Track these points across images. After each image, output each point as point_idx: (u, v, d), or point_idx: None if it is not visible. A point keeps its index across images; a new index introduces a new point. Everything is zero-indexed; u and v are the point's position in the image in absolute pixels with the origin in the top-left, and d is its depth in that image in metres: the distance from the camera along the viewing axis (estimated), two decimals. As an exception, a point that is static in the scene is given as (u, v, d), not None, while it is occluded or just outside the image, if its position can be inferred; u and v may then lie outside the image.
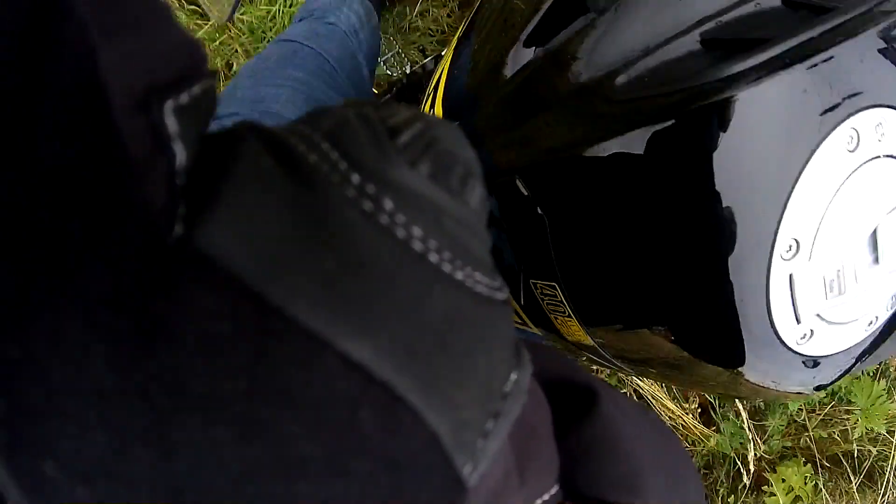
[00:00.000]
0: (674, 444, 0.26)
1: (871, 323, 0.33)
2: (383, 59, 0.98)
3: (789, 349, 0.31)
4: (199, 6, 0.98)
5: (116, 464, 0.10)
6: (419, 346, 0.12)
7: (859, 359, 0.34)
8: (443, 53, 0.56)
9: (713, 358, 0.32)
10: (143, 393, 0.10)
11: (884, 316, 0.33)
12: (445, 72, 0.44)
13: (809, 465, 0.97)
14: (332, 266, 0.12)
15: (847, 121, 0.28)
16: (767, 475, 0.97)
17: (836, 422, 0.98)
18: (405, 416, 0.12)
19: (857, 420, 0.94)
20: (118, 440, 0.10)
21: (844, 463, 0.98)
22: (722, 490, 0.99)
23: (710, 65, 0.27)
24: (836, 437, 0.98)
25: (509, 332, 0.15)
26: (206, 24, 1.00)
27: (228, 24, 0.97)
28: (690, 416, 0.98)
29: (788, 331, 0.30)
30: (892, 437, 0.96)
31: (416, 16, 0.96)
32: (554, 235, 0.33)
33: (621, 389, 0.96)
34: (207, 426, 0.11)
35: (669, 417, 0.98)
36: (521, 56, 0.34)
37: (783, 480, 0.95)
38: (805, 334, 0.31)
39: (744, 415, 0.97)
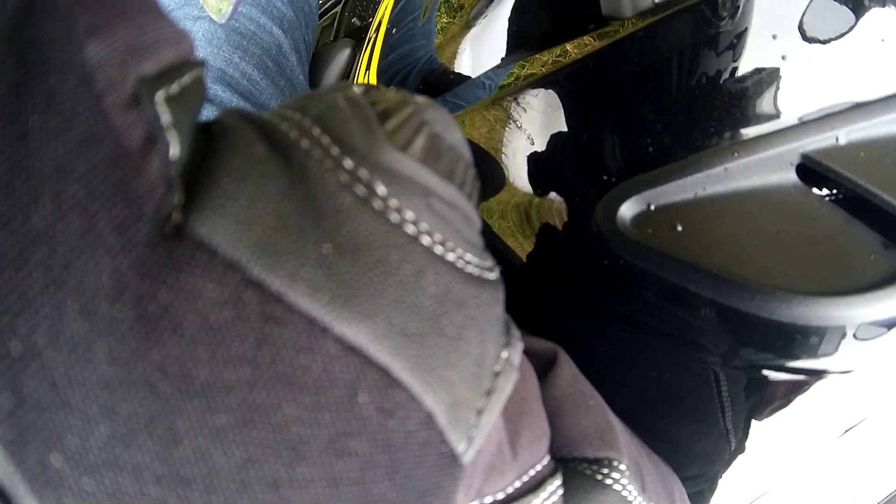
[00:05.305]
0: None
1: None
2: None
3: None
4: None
5: (122, 454, 0.10)
6: (413, 328, 0.13)
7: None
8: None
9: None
10: (146, 383, 0.10)
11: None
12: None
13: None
14: (330, 251, 0.12)
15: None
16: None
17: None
18: (401, 397, 0.12)
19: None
20: (123, 430, 0.10)
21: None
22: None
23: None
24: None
25: (500, 311, 0.15)
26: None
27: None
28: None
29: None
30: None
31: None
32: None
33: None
34: (211, 414, 0.11)
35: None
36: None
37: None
38: None
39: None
